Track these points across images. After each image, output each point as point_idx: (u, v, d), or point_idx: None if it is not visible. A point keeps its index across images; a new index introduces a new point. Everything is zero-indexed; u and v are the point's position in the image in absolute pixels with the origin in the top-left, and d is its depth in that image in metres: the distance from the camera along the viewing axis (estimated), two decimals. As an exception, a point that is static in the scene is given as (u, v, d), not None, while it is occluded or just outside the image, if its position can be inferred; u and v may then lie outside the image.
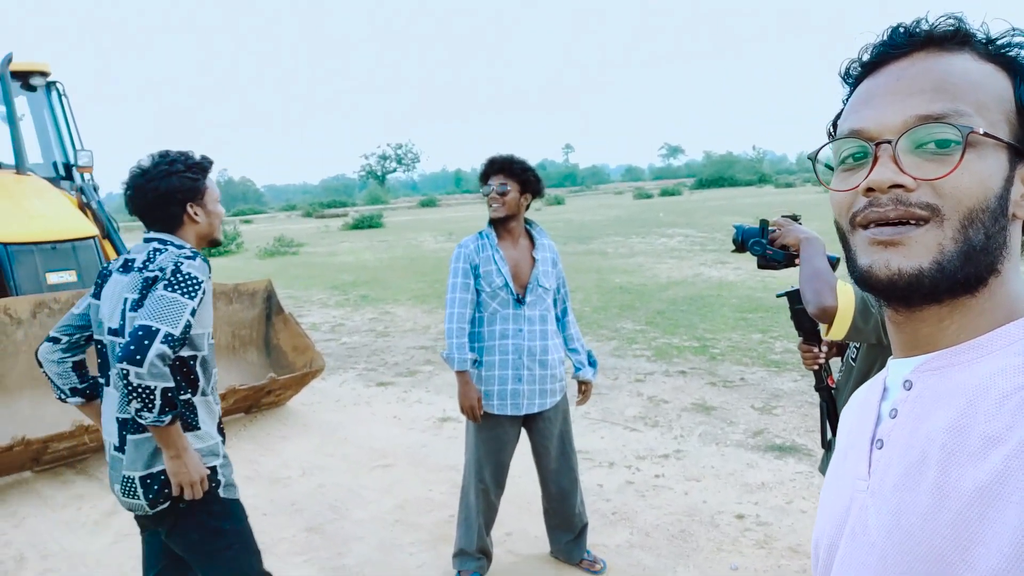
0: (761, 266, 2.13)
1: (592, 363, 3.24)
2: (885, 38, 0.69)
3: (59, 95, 6.88)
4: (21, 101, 7.03)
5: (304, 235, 26.37)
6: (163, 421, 1.89)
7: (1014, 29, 0.67)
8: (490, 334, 2.98)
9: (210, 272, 2.05)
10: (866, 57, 0.71)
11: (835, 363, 2.22)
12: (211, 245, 2.25)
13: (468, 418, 3.00)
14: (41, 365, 2.19)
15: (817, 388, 2.11)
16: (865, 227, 0.65)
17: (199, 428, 2.06)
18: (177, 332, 1.89)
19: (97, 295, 2.14)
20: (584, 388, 3.23)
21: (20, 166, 6.12)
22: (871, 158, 0.65)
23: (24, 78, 6.63)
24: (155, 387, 1.85)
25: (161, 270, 1.98)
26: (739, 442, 4.58)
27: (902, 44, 0.67)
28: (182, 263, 1.98)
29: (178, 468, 1.96)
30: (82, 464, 4.75)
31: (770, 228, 2.10)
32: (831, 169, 0.72)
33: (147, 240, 2.12)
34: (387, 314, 9.88)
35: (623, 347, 7.22)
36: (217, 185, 2.23)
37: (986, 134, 0.62)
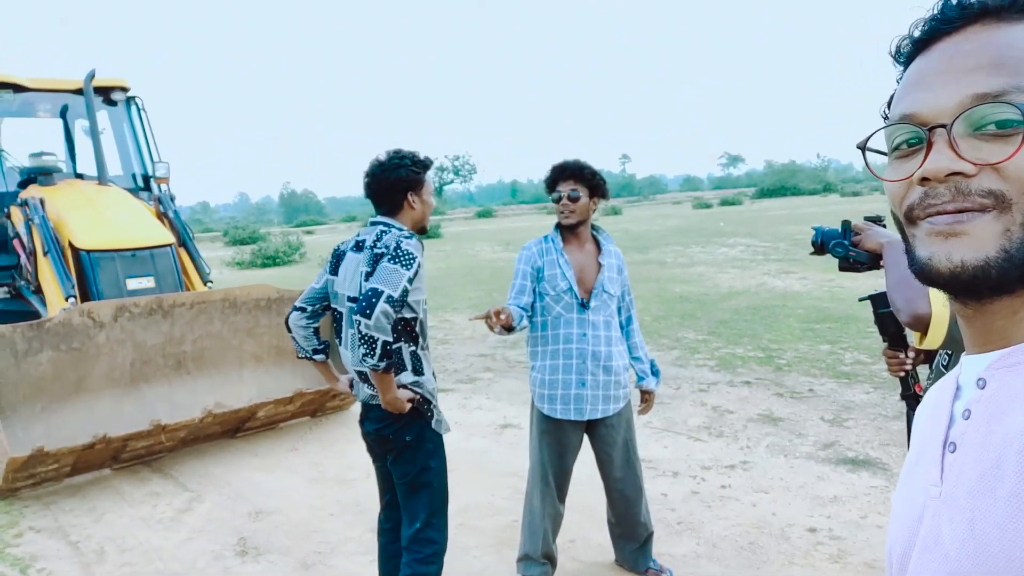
0: (843, 268, 2.07)
1: (655, 372, 3.19)
2: (936, 12, 0.64)
3: (138, 110, 7.21)
4: (102, 116, 7.40)
5: (364, 245, 26.86)
6: (379, 367, 2.36)
7: None
8: (554, 338, 2.97)
9: (423, 250, 2.52)
10: (917, 33, 0.66)
11: (923, 370, 2.14)
12: (421, 231, 2.67)
13: (491, 317, 2.58)
14: (290, 330, 2.69)
15: (903, 396, 2.03)
16: (923, 219, 0.61)
17: (423, 374, 2.58)
18: (396, 295, 2.35)
19: (334, 271, 2.64)
20: (647, 398, 3.19)
21: (102, 177, 6.42)
22: (925, 144, 0.61)
23: (105, 93, 6.97)
24: (378, 338, 2.31)
25: (386, 247, 2.46)
26: (809, 454, 4.45)
27: (955, 17, 0.62)
28: (402, 242, 2.44)
29: (390, 402, 2.46)
30: (158, 463, 4.92)
31: (851, 231, 2.04)
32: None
33: (373, 223, 2.62)
34: (446, 322, 9.96)
35: (685, 356, 7.11)
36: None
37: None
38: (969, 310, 0.64)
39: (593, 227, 3.11)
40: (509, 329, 2.69)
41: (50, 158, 6.60)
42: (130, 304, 4.92)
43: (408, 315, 2.52)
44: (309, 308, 2.69)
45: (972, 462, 0.61)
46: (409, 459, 2.54)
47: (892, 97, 0.69)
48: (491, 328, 2.63)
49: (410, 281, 2.40)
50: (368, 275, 2.47)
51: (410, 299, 2.48)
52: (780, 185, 60.58)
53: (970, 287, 0.60)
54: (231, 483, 4.53)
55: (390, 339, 2.35)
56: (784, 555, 3.27)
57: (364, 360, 2.36)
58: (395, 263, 2.39)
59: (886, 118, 0.70)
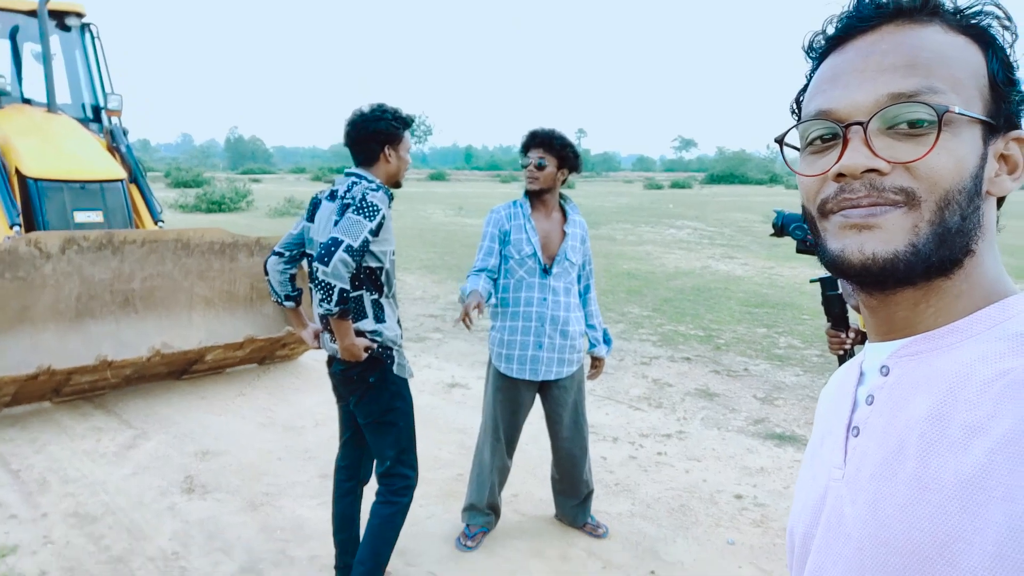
0: (800, 251, 2.22)
1: (607, 341, 3.34)
2: (851, 9, 0.65)
3: (92, 37, 6.93)
4: (54, 41, 7.09)
5: (314, 198, 26.38)
6: (333, 312, 2.44)
7: None
8: (515, 300, 3.09)
9: (390, 203, 2.59)
10: (831, 30, 0.67)
11: (859, 349, 2.33)
12: (394, 186, 2.73)
13: (463, 320, 2.79)
14: (267, 274, 2.75)
15: None
16: (836, 212, 0.63)
17: (385, 321, 2.65)
18: (356, 244, 2.42)
19: (311, 218, 2.70)
20: (597, 364, 3.33)
21: (51, 104, 6.19)
22: (841, 141, 0.63)
23: (60, 18, 6.69)
24: (334, 285, 2.39)
25: (352, 198, 2.51)
26: (740, 428, 4.71)
27: (870, 16, 0.64)
28: (368, 194, 2.51)
29: (346, 347, 2.54)
30: (101, 399, 4.88)
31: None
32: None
33: (347, 175, 2.67)
34: (397, 281, 9.97)
35: (630, 330, 7.34)
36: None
37: (961, 112, 0.60)
38: (874, 300, 0.66)
39: (561, 196, 3.21)
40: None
41: (-2, 79, 6.32)
42: (79, 237, 4.81)
43: (373, 264, 2.58)
44: (287, 253, 2.74)
45: (875, 446, 0.63)
46: (373, 399, 2.62)
47: (802, 92, 0.70)
48: (469, 325, 2.80)
49: (372, 233, 2.47)
50: (337, 223, 2.53)
51: (376, 249, 2.55)
52: (729, 172, 61.83)
53: (879, 278, 0.62)
54: (177, 423, 4.53)
55: (347, 287, 2.42)
56: (712, 518, 3.49)
57: (320, 304, 2.45)
58: (359, 214, 2.46)
59: (794, 112, 0.72)
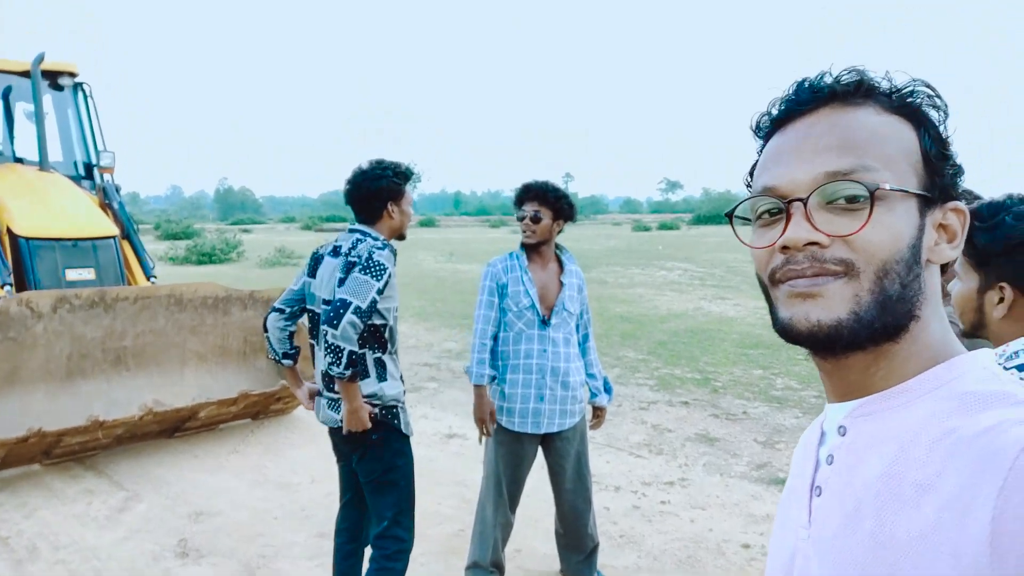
0: None
1: (608, 390, 3.32)
2: (791, 93, 0.70)
3: (85, 96, 7.00)
4: (47, 100, 7.15)
5: (304, 247, 26.38)
6: (345, 375, 2.43)
7: (915, 80, 0.68)
8: (515, 353, 3.07)
9: (395, 261, 2.60)
10: (775, 112, 0.72)
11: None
12: (399, 239, 2.77)
13: (480, 431, 3.09)
14: (267, 331, 2.75)
15: None
16: (784, 282, 0.66)
17: (387, 380, 2.64)
18: (364, 306, 2.43)
19: (312, 274, 2.70)
20: (598, 413, 3.30)
21: (43, 163, 6.20)
22: (785, 215, 0.67)
23: (52, 77, 6.75)
24: (344, 348, 2.39)
25: (358, 256, 2.52)
26: (743, 474, 4.65)
27: (807, 100, 0.69)
28: (374, 252, 2.51)
29: (351, 416, 2.51)
30: (92, 460, 4.77)
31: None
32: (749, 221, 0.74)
33: (351, 231, 2.68)
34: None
35: (626, 375, 7.30)
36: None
37: (893, 188, 0.64)
38: (828, 364, 0.69)
39: (557, 246, 3.22)
40: None
41: (-12, 140, 6.34)
42: (71, 295, 4.78)
43: (378, 321, 2.58)
44: (287, 310, 2.74)
45: (836, 505, 0.66)
46: (375, 457, 2.59)
47: (753, 168, 0.75)
48: (489, 433, 3.03)
49: (379, 292, 2.47)
50: (341, 281, 2.53)
51: (381, 306, 2.56)
52: (716, 213, 62.38)
53: (826, 344, 0.65)
54: (170, 483, 4.44)
55: (356, 349, 2.42)
56: (721, 569, 3.42)
57: (331, 368, 2.44)
58: (366, 274, 2.46)
59: (749, 186, 0.76)
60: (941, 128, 0.68)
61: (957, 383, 0.63)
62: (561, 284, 3.13)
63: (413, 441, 5.20)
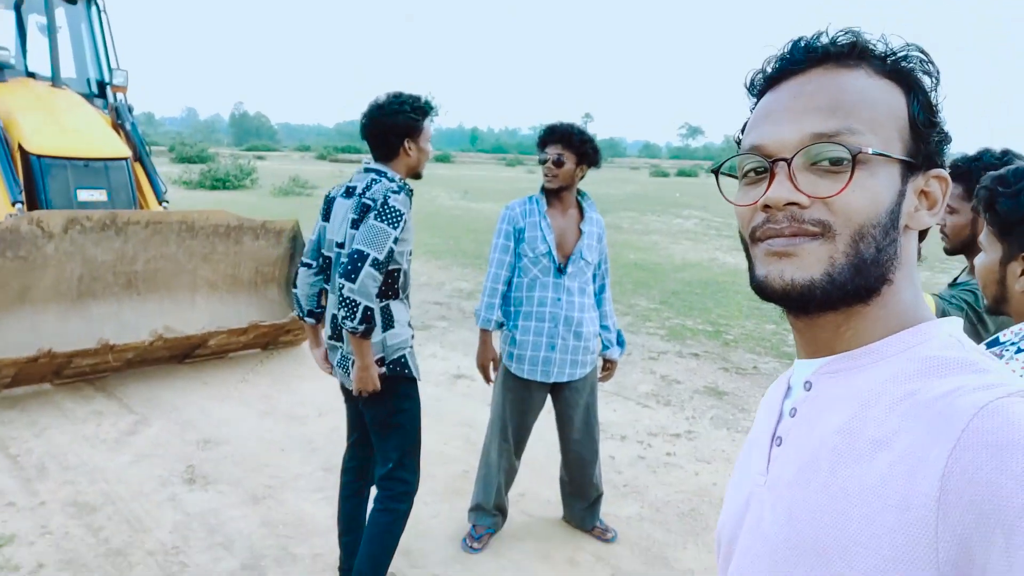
0: None
1: (621, 343, 3.26)
2: (786, 52, 0.70)
3: (99, 10, 6.80)
4: (60, 13, 6.96)
5: (318, 177, 26.23)
6: (358, 330, 2.34)
7: (909, 44, 0.68)
8: (528, 300, 3.00)
9: (411, 203, 2.47)
10: (768, 70, 0.72)
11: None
12: (415, 177, 2.62)
13: (482, 376, 3.07)
14: (295, 287, 2.67)
15: None
16: (763, 240, 0.67)
17: (393, 327, 2.53)
18: (382, 257, 2.34)
19: (326, 218, 2.59)
20: (609, 366, 3.25)
21: (56, 79, 6.08)
22: (768, 174, 0.67)
23: (66, -11, 6.55)
24: (360, 302, 2.31)
25: (373, 200, 2.40)
26: (750, 429, 4.63)
27: (801, 59, 0.69)
28: (390, 196, 2.38)
29: (362, 375, 2.43)
30: (102, 382, 4.81)
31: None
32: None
33: (367, 170, 2.54)
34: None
35: (637, 323, 7.25)
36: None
37: (876, 153, 0.64)
38: (800, 323, 0.71)
39: (579, 193, 3.12)
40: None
41: (3, 52, 6.20)
42: (82, 217, 4.73)
43: (392, 267, 2.49)
44: (314, 263, 2.64)
45: (794, 456, 0.68)
46: (381, 400, 2.54)
47: (744, 125, 0.74)
48: (491, 380, 3.04)
49: (396, 241, 2.38)
50: (355, 222, 2.44)
51: (396, 249, 2.46)
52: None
53: (798, 303, 0.67)
54: (179, 409, 4.47)
55: (372, 304, 2.34)
56: (722, 524, 3.42)
57: (344, 322, 2.35)
58: (382, 220, 2.35)
59: (738, 143, 0.76)
60: (932, 95, 0.68)
61: (921, 348, 0.65)
62: (580, 232, 3.04)
63: (421, 381, 5.22)
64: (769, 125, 0.69)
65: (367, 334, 2.37)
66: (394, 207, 2.37)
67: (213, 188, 21.21)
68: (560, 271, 3.00)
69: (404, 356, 2.57)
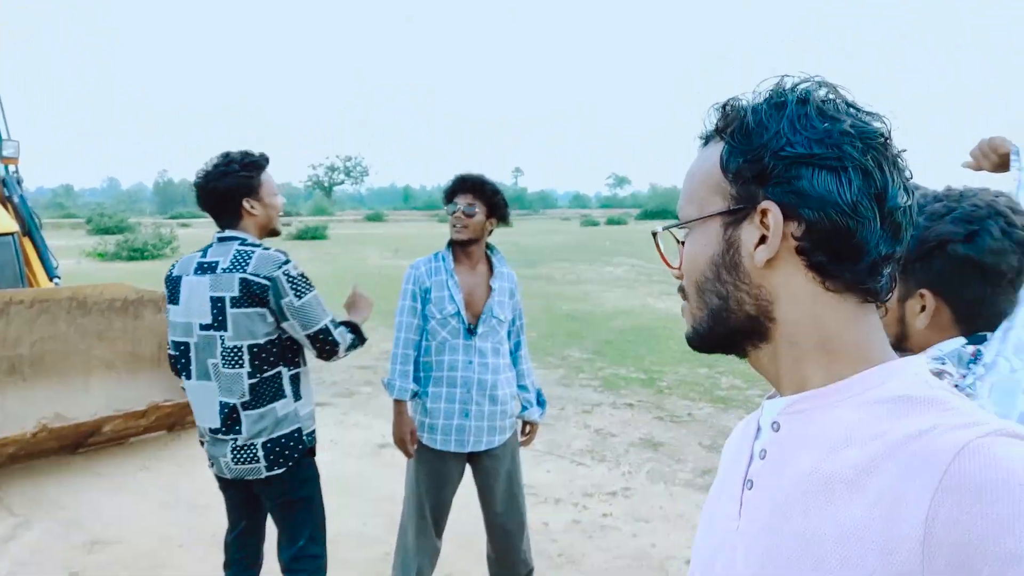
0: None
1: (541, 403, 3.06)
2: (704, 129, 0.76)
3: (-15, 80, 6.42)
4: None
5: (244, 243, 25.57)
6: (357, 343, 2.51)
7: (727, 101, 0.72)
8: (438, 364, 2.78)
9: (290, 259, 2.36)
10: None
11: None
12: (271, 235, 2.47)
13: (401, 451, 2.83)
14: (178, 374, 2.46)
15: None
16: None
17: (302, 397, 2.40)
18: (332, 314, 2.33)
19: (174, 300, 2.36)
20: (529, 429, 3.04)
21: (-64, 153, 5.66)
22: None
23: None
24: (351, 340, 2.45)
25: (268, 279, 2.23)
26: (687, 481, 4.47)
27: (703, 137, 0.76)
28: (288, 270, 2.27)
29: (361, 306, 2.63)
30: (-21, 482, 4.32)
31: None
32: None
33: (223, 240, 2.33)
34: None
35: (570, 376, 7.09)
36: (270, 181, 2.45)
37: (686, 223, 0.74)
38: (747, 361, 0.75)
39: (488, 247, 2.95)
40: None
41: None
42: (-43, 299, 4.31)
43: (294, 333, 2.32)
44: (177, 353, 2.40)
45: (766, 499, 0.67)
46: (290, 478, 2.34)
47: None
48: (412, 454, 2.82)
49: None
50: (239, 300, 2.23)
51: None
52: (663, 208, 63.18)
53: (696, 349, 0.77)
54: (66, 507, 4.03)
55: (354, 336, 2.46)
56: (663, 590, 3.21)
57: (348, 351, 2.44)
58: (305, 294, 2.28)
59: None
60: (748, 128, 0.68)
61: (888, 387, 0.64)
62: (490, 288, 2.86)
63: (342, 452, 4.92)
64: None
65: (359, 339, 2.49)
66: (299, 274, 2.30)
67: (131, 259, 20.37)
68: (470, 332, 2.80)
69: (314, 430, 2.44)
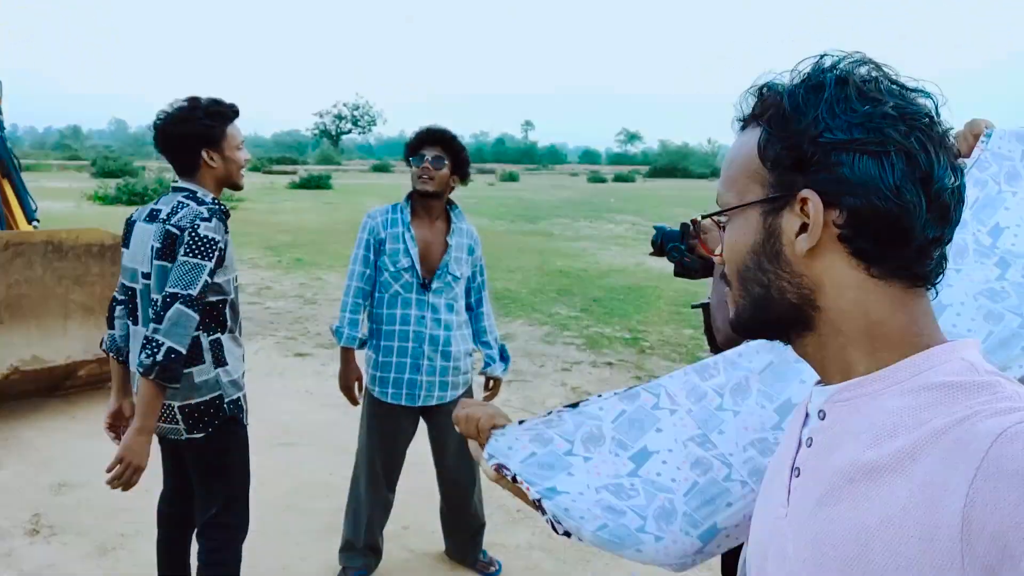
0: (677, 274, 1.96)
1: (505, 359, 3.05)
2: (739, 110, 0.75)
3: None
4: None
5: (247, 190, 25.42)
6: (151, 375, 1.97)
7: (792, 70, 0.68)
8: (389, 317, 2.76)
9: (227, 227, 2.19)
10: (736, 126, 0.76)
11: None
12: (231, 188, 2.35)
13: (347, 399, 2.86)
14: (111, 327, 2.36)
15: None
16: None
17: (227, 364, 2.26)
18: (195, 292, 2.04)
19: (126, 244, 2.27)
20: (492, 384, 3.04)
21: (-87, 90, 5.58)
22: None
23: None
24: (163, 343, 1.98)
25: (180, 229, 2.09)
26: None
27: (741, 119, 0.74)
28: (199, 225, 2.09)
29: (133, 443, 2.03)
30: (-46, 421, 4.36)
31: (692, 233, 1.93)
32: None
33: (175, 190, 2.24)
34: (318, 280, 9.54)
35: (554, 333, 7.08)
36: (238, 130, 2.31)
37: (728, 210, 0.72)
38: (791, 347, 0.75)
39: (449, 202, 2.90)
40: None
41: None
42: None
43: (214, 298, 2.19)
44: (123, 298, 2.32)
45: (812, 486, 0.68)
46: (209, 445, 2.26)
47: None
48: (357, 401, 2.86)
49: (211, 273, 2.09)
50: (159, 252, 2.13)
51: (218, 279, 2.18)
52: (672, 166, 62.53)
53: (741, 334, 0.78)
54: (39, 449, 4.08)
55: (182, 350, 2.00)
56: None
57: (140, 361, 2.00)
58: (193, 254, 2.06)
59: None
60: (786, 114, 0.66)
61: (933, 373, 0.63)
62: (447, 244, 2.82)
63: (318, 402, 4.89)
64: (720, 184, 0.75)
65: (165, 380, 1.98)
66: (205, 236, 2.08)
67: (131, 203, 20.26)
68: (424, 287, 2.77)
69: (240, 398, 2.32)
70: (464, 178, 2.86)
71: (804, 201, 0.66)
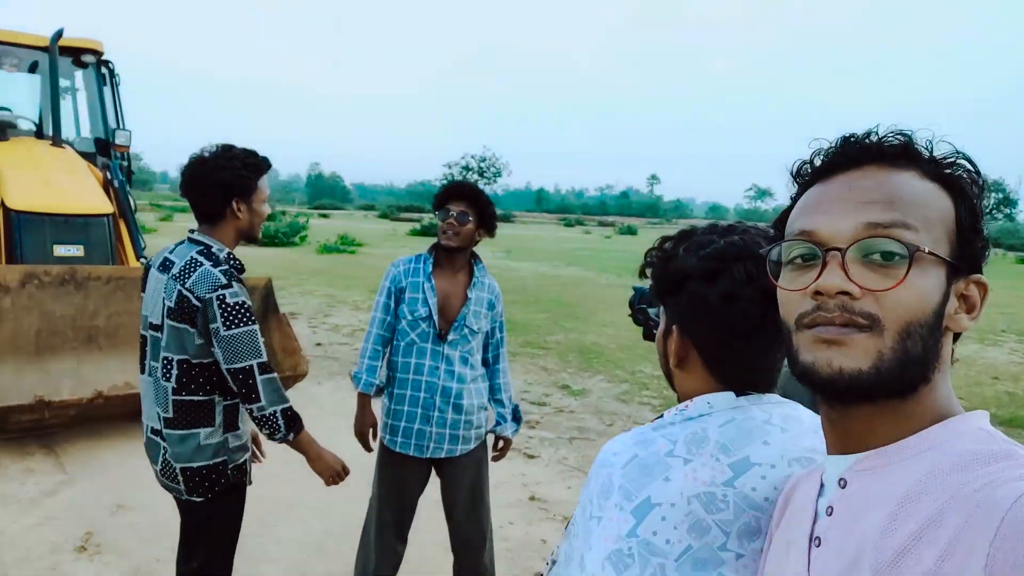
0: (646, 337, 1.83)
1: (517, 419, 2.97)
2: (839, 147, 0.72)
3: (109, 74, 7.08)
4: (78, 76, 7.31)
5: (370, 235, 26.79)
6: (290, 438, 2.18)
7: (958, 152, 0.69)
8: (404, 366, 2.76)
9: (244, 285, 2.15)
10: (818, 162, 0.74)
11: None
12: (249, 240, 2.32)
13: (360, 444, 2.87)
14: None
15: None
16: (811, 328, 0.68)
17: (238, 428, 2.25)
18: (264, 357, 2.10)
19: (144, 290, 2.28)
20: (502, 444, 2.96)
21: (56, 137, 6.29)
22: (820, 262, 0.68)
23: (76, 54, 6.85)
24: (275, 412, 2.11)
25: (200, 301, 2.04)
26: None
27: (854, 156, 0.71)
28: (224, 296, 2.04)
29: (320, 468, 2.29)
30: (51, 438, 4.75)
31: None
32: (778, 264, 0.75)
33: (190, 242, 2.18)
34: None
35: (632, 391, 6.86)
36: (268, 184, 2.32)
37: (930, 252, 0.66)
38: (835, 413, 0.72)
39: (473, 255, 2.90)
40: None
41: (5, 113, 6.48)
42: (40, 272, 4.77)
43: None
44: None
45: (835, 556, 0.68)
46: (208, 503, 2.23)
47: (785, 213, 0.77)
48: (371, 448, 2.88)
49: (260, 332, 2.11)
50: (172, 312, 2.07)
51: None
52: (802, 224, 60.06)
53: (842, 392, 0.67)
54: (109, 469, 4.35)
55: (288, 403, 2.15)
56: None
57: (272, 439, 2.18)
58: (237, 327, 2.03)
59: (775, 229, 0.80)
60: (976, 203, 0.69)
61: (955, 442, 0.65)
62: (467, 297, 2.80)
63: (348, 441, 4.89)
64: (821, 215, 0.70)
65: (299, 431, 2.20)
66: (235, 304, 2.04)
67: (261, 246, 21.82)
68: (441, 338, 2.76)
69: (245, 461, 2.31)
70: (489, 232, 2.84)
71: (980, 285, 0.70)
